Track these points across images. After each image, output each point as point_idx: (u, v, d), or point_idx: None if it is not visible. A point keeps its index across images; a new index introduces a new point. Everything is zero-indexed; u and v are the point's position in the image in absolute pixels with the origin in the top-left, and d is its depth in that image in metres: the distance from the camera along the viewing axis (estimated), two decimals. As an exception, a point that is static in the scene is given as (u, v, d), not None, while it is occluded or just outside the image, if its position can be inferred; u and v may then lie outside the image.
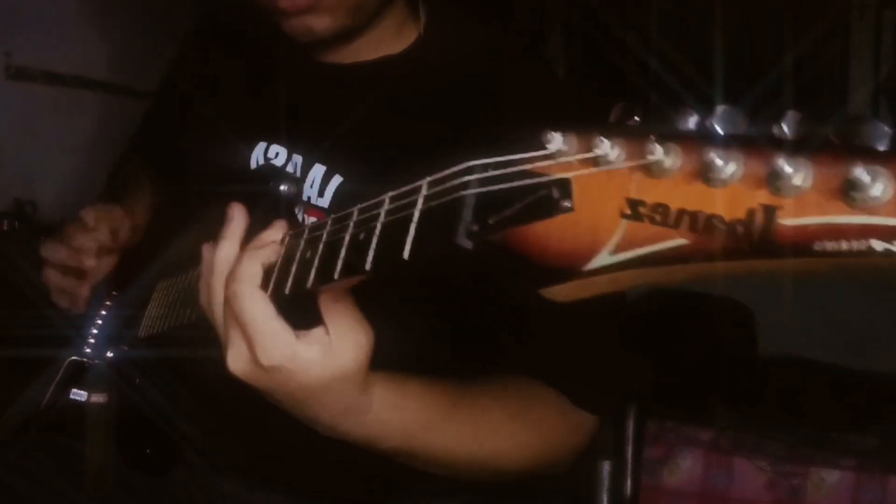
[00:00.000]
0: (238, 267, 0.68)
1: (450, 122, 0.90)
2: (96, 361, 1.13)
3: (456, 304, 0.94)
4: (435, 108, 0.94)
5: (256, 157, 1.04)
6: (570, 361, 0.90)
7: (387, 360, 0.74)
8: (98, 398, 1.11)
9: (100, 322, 1.15)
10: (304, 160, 1.00)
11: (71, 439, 1.10)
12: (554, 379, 0.88)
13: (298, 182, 0.98)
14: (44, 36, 2.38)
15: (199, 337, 1.01)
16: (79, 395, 1.11)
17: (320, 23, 0.93)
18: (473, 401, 0.84)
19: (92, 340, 1.14)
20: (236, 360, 0.69)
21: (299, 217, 0.98)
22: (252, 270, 0.67)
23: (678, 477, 2.29)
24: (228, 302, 0.67)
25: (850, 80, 2.99)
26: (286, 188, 0.95)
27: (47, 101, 2.43)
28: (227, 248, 0.71)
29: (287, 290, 0.66)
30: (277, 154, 1.03)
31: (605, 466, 1.22)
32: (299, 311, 0.67)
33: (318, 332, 0.67)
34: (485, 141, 0.52)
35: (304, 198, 0.98)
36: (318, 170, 0.98)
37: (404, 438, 0.78)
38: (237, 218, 0.73)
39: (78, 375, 1.12)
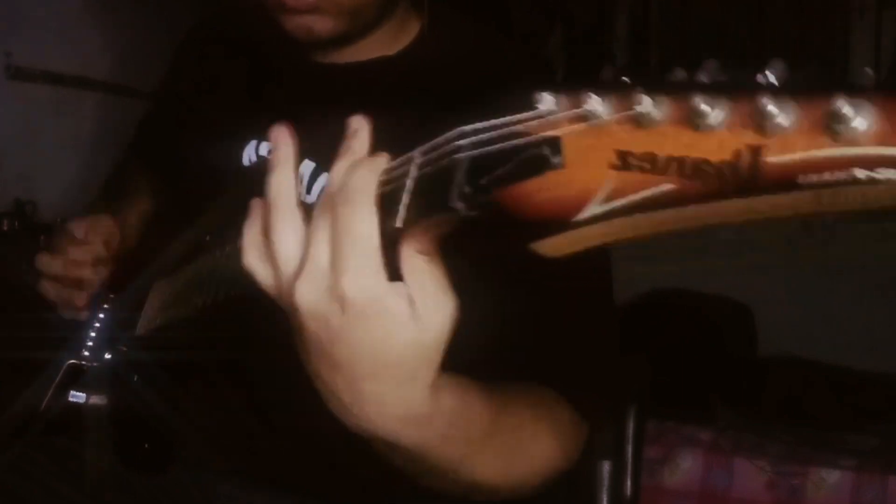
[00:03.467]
0: (355, 176, 0.57)
1: (444, 123, 0.90)
2: (94, 363, 1.13)
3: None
4: (430, 109, 0.94)
5: (248, 153, 1.04)
6: (571, 366, 0.89)
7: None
8: (97, 400, 1.11)
9: (97, 324, 1.15)
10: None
11: (70, 441, 1.10)
12: (562, 384, 0.86)
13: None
14: (44, 36, 2.38)
15: (196, 334, 1.01)
16: (77, 396, 1.11)
17: (322, 24, 0.94)
18: (513, 410, 0.75)
19: (90, 343, 1.14)
20: (310, 285, 0.56)
21: None
22: (371, 181, 0.57)
23: (678, 477, 2.29)
24: (335, 216, 0.56)
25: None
26: None
27: (47, 101, 2.44)
28: (286, 173, 0.63)
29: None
30: (270, 150, 1.03)
31: (605, 466, 1.22)
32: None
33: (402, 286, 0.56)
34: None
35: None
36: (307, 166, 0.99)
37: (458, 453, 0.68)
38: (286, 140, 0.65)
39: (77, 377, 1.12)
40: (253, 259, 0.61)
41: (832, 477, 2.20)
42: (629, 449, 1.22)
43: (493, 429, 0.69)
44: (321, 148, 0.98)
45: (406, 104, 0.96)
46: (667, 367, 2.31)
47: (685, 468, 2.30)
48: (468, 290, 0.79)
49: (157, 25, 2.29)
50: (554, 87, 0.47)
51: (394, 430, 0.61)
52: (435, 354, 0.58)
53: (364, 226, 0.55)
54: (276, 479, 1.05)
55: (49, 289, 1.11)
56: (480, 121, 0.51)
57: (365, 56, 1.01)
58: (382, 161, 0.58)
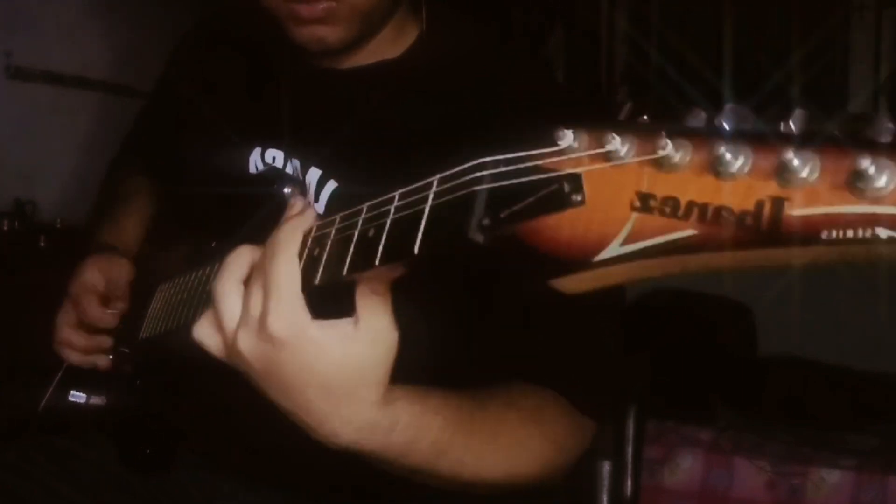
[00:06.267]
0: (279, 234, 0.66)
1: (447, 127, 0.90)
2: (95, 364, 1.13)
3: (467, 305, 0.93)
4: (432, 113, 0.93)
5: (254, 160, 1.04)
6: (572, 364, 0.89)
7: (407, 367, 0.69)
8: (97, 400, 1.11)
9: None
10: (300, 164, 1.00)
11: (70, 441, 1.10)
12: (557, 383, 0.87)
13: (302, 185, 0.98)
14: (44, 36, 2.39)
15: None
16: (78, 396, 1.11)
17: (333, 33, 0.93)
18: (491, 410, 0.80)
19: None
20: (246, 332, 0.66)
21: None
22: (293, 237, 0.66)
23: (678, 477, 2.30)
24: (261, 264, 0.66)
25: (850, 79, 2.99)
26: (290, 191, 0.95)
27: (47, 101, 2.44)
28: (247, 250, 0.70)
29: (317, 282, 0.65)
30: (274, 158, 1.03)
31: (605, 466, 1.22)
32: (326, 301, 0.65)
33: (341, 321, 0.65)
34: (483, 144, 0.52)
35: None
36: (314, 174, 0.98)
37: (431, 456, 0.74)
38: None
39: (77, 377, 1.12)
40: (202, 334, 0.71)
41: (832, 477, 2.20)
42: (629, 449, 1.22)
43: (469, 430, 0.75)
44: (326, 156, 0.98)
45: (409, 108, 0.96)
46: (667, 367, 2.31)
47: (685, 468, 2.30)
48: (469, 293, 0.80)
49: (157, 25, 2.29)
50: (576, 125, 0.47)
51: (355, 442, 0.69)
52: (377, 375, 0.66)
53: (286, 274, 0.64)
54: (276, 479, 1.05)
55: (73, 357, 1.11)
56: (487, 144, 0.51)
57: (366, 60, 1.01)
58: (309, 218, 0.67)
